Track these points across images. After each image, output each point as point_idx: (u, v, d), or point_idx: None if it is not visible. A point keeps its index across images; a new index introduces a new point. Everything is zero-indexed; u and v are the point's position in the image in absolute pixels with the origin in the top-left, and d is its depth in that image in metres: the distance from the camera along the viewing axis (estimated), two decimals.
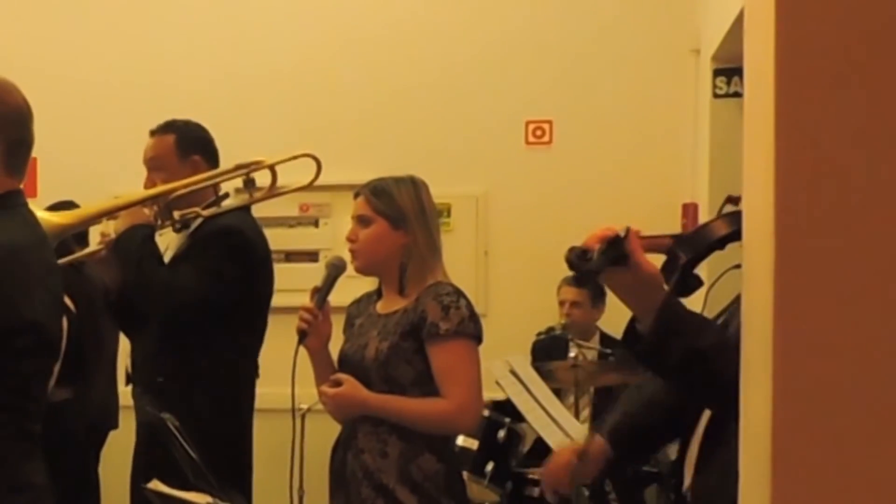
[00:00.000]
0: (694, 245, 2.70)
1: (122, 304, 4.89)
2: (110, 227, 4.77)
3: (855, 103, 1.65)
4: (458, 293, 4.16)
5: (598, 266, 2.63)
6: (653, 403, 3.41)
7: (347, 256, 4.32)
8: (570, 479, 3.51)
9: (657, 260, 2.73)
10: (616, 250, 2.61)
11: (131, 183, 5.43)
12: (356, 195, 4.29)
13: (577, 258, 2.66)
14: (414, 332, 4.10)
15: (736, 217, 2.52)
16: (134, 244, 4.64)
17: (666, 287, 2.69)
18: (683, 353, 2.64)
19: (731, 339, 2.29)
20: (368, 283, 4.43)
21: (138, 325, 4.92)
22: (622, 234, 2.63)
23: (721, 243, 2.64)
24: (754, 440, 1.85)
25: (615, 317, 6.93)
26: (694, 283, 2.74)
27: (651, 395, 3.43)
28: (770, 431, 1.68)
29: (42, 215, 3.66)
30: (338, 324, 4.39)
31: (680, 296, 2.73)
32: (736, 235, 2.44)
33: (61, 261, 4.09)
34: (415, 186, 4.27)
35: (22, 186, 3.38)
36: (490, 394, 4.35)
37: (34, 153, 3.42)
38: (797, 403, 1.67)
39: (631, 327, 2.80)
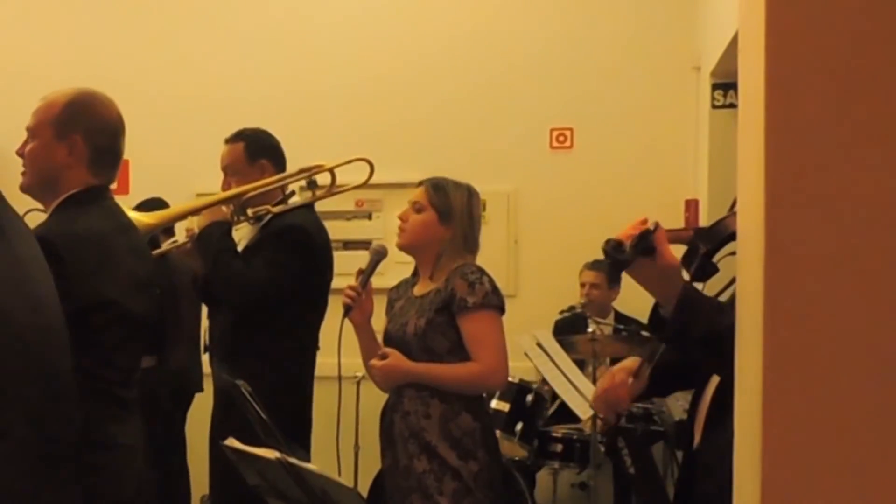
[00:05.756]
0: (712, 238, 2.68)
1: (206, 287, 4.91)
2: (194, 223, 4.80)
3: (836, 111, 1.64)
4: (481, 271, 4.19)
5: (630, 256, 2.62)
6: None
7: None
8: (629, 398, 3.34)
9: (678, 250, 2.72)
10: (645, 242, 2.61)
11: (210, 180, 5.45)
12: (419, 184, 4.32)
13: (613, 249, 2.65)
14: (446, 308, 4.13)
15: None
16: (213, 239, 4.66)
17: (687, 273, 2.69)
18: (703, 334, 2.62)
19: None
20: (407, 271, 4.46)
21: (220, 305, 4.94)
22: (651, 227, 2.63)
23: (734, 236, 2.61)
24: (747, 407, 1.84)
25: (629, 298, 6.96)
26: (711, 270, 2.73)
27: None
28: (760, 399, 1.68)
29: (135, 216, 3.69)
30: (381, 305, 4.43)
31: (698, 280, 2.71)
32: None
33: (154, 252, 4.13)
34: (469, 194, 4.31)
35: (112, 187, 3.43)
36: (517, 363, 4.34)
37: (127, 155, 3.46)
38: (784, 374, 1.67)
39: (655, 313, 2.79)
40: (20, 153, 3.33)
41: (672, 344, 2.88)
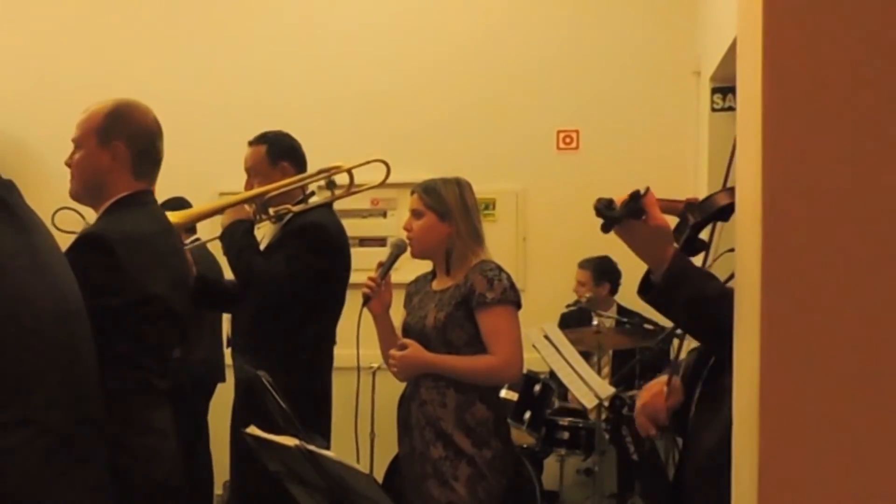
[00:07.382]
0: (702, 210, 2.65)
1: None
2: (218, 222, 4.82)
3: (831, 114, 1.64)
4: (500, 268, 4.21)
5: (619, 214, 2.60)
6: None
7: None
8: (666, 410, 3.06)
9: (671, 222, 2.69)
10: (635, 203, 2.59)
11: (233, 181, 5.45)
12: (412, 192, 4.34)
13: (604, 207, 2.63)
14: (465, 303, 4.14)
15: (734, 191, 2.45)
16: (236, 236, 4.66)
17: (676, 244, 2.66)
18: (689, 299, 2.59)
19: (731, 289, 2.21)
20: (425, 266, 4.47)
21: (241, 299, 4.94)
22: (642, 191, 2.61)
23: (724, 210, 2.57)
24: (746, 395, 1.85)
25: (631, 293, 6.95)
26: (699, 245, 2.70)
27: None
28: (758, 390, 1.68)
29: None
30: (399, 299, 4.45)
31: (687, 254, 2.68)
32: (735, 206, 2.37)
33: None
34: (459, 186, 4.31)
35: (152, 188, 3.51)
36: (525, 354, 4.34)
37: None
38: (781, 366, 1.67)
39: (646, 278, 2.76)
40: (68, 163, 3.43)
41: (657, 306, 2.82)
